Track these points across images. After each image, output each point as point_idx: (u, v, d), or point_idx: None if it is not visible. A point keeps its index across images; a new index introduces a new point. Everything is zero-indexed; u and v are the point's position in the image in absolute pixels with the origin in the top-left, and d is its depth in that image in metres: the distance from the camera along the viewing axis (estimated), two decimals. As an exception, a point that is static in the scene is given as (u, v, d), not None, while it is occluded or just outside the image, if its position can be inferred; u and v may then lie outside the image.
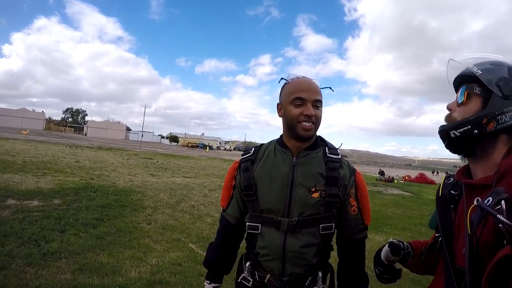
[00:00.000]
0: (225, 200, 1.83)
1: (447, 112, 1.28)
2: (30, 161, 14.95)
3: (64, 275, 4.12)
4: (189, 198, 10.48)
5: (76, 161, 17.37)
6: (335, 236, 1.75)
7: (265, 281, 1.63)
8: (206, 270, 1.88)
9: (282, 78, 1.71)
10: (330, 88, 1.72)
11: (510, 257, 0.85)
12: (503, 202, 0.92)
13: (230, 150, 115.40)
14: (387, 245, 1.48)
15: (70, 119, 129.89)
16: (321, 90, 1.65)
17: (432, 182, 34.03)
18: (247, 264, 1.70)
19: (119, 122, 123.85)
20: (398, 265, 1.54)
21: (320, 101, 1.59)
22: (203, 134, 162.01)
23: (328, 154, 1.65)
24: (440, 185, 1.38)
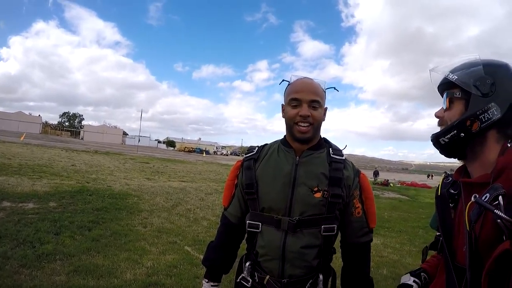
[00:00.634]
0: (227, 199, 1.82)
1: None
2: (26, 164, 14.88)
3: (59, 276, 4.09)
4: (185, 202, 10.46)
5: (72, 165, 17.31)
6: (338, 239, 1.73)
7: (264, 282, 1.60)
8: (204, 270, 1.86)
9: (283, 80, 1.72)
10: (335, 88, 1.73)
11: (510, 252, 0.85)
12: (500, 197, 0.93)
13: (227, 155, 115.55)
14: None
15: (66, 123, 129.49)
16: (325, 90, 1.65)
17: (424, 186, 34.29)
18: (247, 264, 1.67)
19: (115, 127, 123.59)
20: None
21: (317, 101, 1.57)
22: (200, 139, 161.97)
23: (332, 155, 1.64)
24: (439, 184, 1.38)
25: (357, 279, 1.68)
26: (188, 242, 6.26)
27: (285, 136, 1.73)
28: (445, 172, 1.39)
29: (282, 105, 1.71)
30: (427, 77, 1.40)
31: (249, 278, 1.65)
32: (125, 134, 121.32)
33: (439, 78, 1.29)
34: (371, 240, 1.72)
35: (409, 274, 1.50)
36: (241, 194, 1.74)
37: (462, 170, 1.28)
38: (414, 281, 1.46)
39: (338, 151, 1.68)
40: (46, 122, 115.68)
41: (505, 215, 0.88)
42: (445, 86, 1.26)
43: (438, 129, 1.27)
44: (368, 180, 1.74)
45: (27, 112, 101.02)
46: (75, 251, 4.97)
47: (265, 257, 1.61)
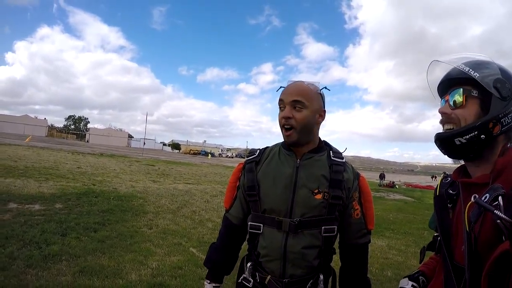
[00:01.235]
0: (229, 201, 1.84)
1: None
2: (32, 166, 14.97)
3: (65, 277, 4.11)
4: (190, 204, 10.48)
5: (78, 167, 17.38)
6: (337, 240, 1.74)
7: (266, 282, 1.62)
8: (207, 270, 1.87)
9: (281, 87, 1.71)
10: (326, 88, 1.71)
11: (509, 253, 0.85)
12: (500, 198, 0.93)
13: (232, 157, 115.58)
14: None
15: (72, 126, 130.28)
16: (320, 92, 1.65)
17: (429, 187, 34.16)
18: (249, 264, 1.69)
19: (121, 130, 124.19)
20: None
21: (299, 102, 1.56)
22: (205, 141, 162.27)
23: (332, 157, 1.65)
24: (437, 185, 1.37)
25: (355, 280, 1.70)
26: (193, 243, 6.28)
27: None
28: (444, 173, 1.39)
29: None
30: (431, 77, 1.36)
31: (250, 278, 1.67)
32: (130, 137, 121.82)
33: (443, 70, 1.26)
34: (369, 242, 1.73)
35: (407, 278, 1.51)
36: (243, 196, 1.75)
37: (461, 171, 1.28)
38: (412, 286, 1.47)
39: (338, 154, 1.69)
40: (51, 125, 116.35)
41: (504, 215, 0.88)
42: (458, 81, 1.21)
43: (430, 128, 1.24)
44: (367, 183, 1.75)
45: (33, 116, 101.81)
46: (81, 252, 4.99)
47: (267, 258, 1.62)
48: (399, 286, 1.50)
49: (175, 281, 4.42)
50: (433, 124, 1.17)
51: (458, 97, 1.18)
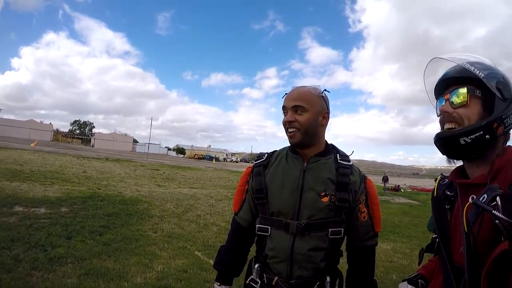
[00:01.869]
0: (237, 204, 1.86)
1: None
2: (38, 170, 15.04)
3: (70, 279, 4.12)
4: (195, 208, 10.50)
5: (83, 171, 17.46)
6: (344, 242, 1.74)
7: (273, 283, 1.63)
8: (215, 274, 1.88)
9: (286, 94, 1.73)
10: (326, 90, 1.72)
11: (508, 253, 0.85)
12: (498, 198, 0.93)
13: (237, 162, 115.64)
14: None
15: (77, 131, 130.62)
16: (322, 95, 1.67)
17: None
18: (256, 266, 1.71)
19: (126, 135, 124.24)
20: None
21: (300, 106, 1.60)
22: (209, 146, 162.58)
23: (339, 160, 1.67)
24: (435, 186, 1.37)
25: (362, 282, 1.70)
26: (198, 247, 6.29)
27: None
28: (441, 174, 1.39)
29: None
30: (436, 80, 1.34)
31: (258, 280, 1.69)
32: (135, 141, 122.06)
33: (444, 68, 1.27)
34: (376, 244, 1.74)
35: (406, 282, 1.49)
36: (251, 199, 1.77)
37: (458, 172, 1.27)
38: (410, 280, 1.46)
39: (345, 157, 1.71)
40: (57, 130, 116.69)
41: (503, 215, 0.88)
42: (461, 80, 1.20)
43: (434, 131, 1.24)
44: (374, 186, 1.76)
45: (38, 120, 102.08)
46: (86, 255, 5.01)
47: (274, 259, 1.64)
48: None
49: (180, 284, 4.42)
50: (438, 127, 1.16)
51: (462, 96, 1.17)
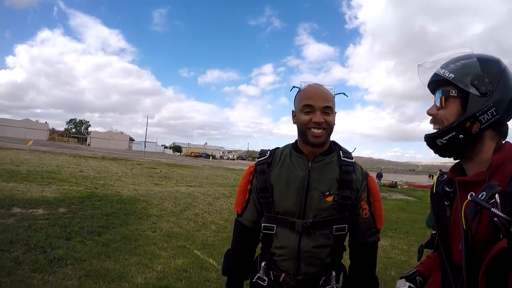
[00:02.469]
0: (240, 205, 1.84)
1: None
2: (35, 170, 15.02)
3: (71, 281, 4.12)
4: (193, 207, 10.50)
5: (80, 171, 17.45)
6: (347, 238, 1.77)
7: (280, 280, 1.66)
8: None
9: (294, 86, 1.75)
10: (344, 94, 1.77)
11: (507, 251, 0.85)
12: (497, 195, 0.92)
13: (234, 159, 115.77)
14: None
15: (73, 130, 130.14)
16: (335, 95, 1.68)
17: (429, 187, 33.89)
18: (263, 264, 1.73)
19: (122, 133, 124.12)
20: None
21: (329, 107, 1.61)
22: (206, 143, 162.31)
23: (342, 158, 1.69)
24: (434, 182, 1.37)
25: (363, 278, 1.73)
26: (197, 246, 6.29)
27: (296, 141, 1.76)
28: (440, 170, 1.38)
29: (293, 111, 1.74)
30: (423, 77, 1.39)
31: (265, 277, 1.70)
32: (131, 140, 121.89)
33: (429, 73, 1.27)
34: (378, 240, 1.77)
35: (404, 279, 1.50)
36: (256, 199, 1.76)
37: (456, 168, 1.28)
38: (409, 287, 1.46)
39: (348, 154, 1.73)
40: (53, 129, 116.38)
41: (502, 213, 0.87)
42: (439, 83, 1.23)
43: (431, 127, 1.26)
44: (376, 183, 1.78)
45: (34, 119, 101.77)
46: (86, 256, 5.00)
47: (281, 257, 1.66)
48: (396, 287, 1.50)
49: (180, 284, 4.42)
50: (429, 125, 1.19)
51: (439, 99, 1.21)
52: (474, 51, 1.21)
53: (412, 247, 7.70)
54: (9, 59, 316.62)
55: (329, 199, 1.61)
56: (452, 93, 1.17)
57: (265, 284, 1.70)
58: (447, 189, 1.29)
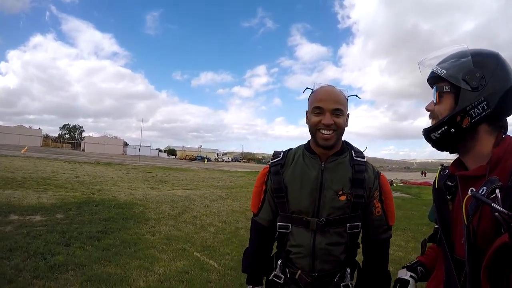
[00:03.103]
0: (256, 206, 1.90)
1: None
2: (30, 177, 14.92)
3: (73, 286, 4.12)
4: (190, 209, 10.49)
5: (76, 176, 17.35)
6: (361, 236, 1.83)
7: (296, 277, 1.71)
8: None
9: (307, 88, 1.81)
10: (357, 96, 1.82)
11: (508, 245, 0.85)
12: (497, 190, 0.93)
13: (228, 161, 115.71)
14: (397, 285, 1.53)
15: (67, 136, 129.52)
16: (348, 98, 1.74)
17: (426, 184, 33.91)
18: (279, 262, 1.78)
19: (116, 137, 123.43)
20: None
21: (339, 110, 1.65)
22: (200, 146, 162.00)
23: (354, 157, 1.75)
24: (436, 177, 1.38)
25: (376, 273, 1.79)
26: (197, 248, 6.31)
27: (309, 141, 1.82)
28: (442, 165, 1.40)
29: (306, 111, 1.78)
30: (425, 74, 1.41)
31: (281, 275, 1.75)
32: (125, 144, 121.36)
33: (428, 71, 1.29)
34: (390, 237, 1.83)
35: (405, 269, 1.54)
36: (271, 198, 1.82)
37: (458, 163, 1.29)
38: (410, 276, 1.51)
39: (360, 154, 1.78)
40: (46, 135, 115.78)
41: (502, 208, 0.88)
42: (434, 80, 1.26)
43: (425, 123, 1.29)
44: (387, 181, 1.84)
45: (27, 126, 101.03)
46: (87, 261, 4.99)
47: (297, 255, 1.71)
48: (398, 277, 1.54)
49: (182, 286, 4.45)
50: (428, 120, 1.23)
51: (434, 95, 1.24)
52: (469, 46, 1.23)
53: (409, 243, 7.78)
54: (2, 65, 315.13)
55: (342, 198, 1.66)
56: (445, 88, 1.20)
57: (281, 281, 1.75)
58: (449, 183, 1.30)
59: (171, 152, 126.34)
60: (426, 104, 1.29)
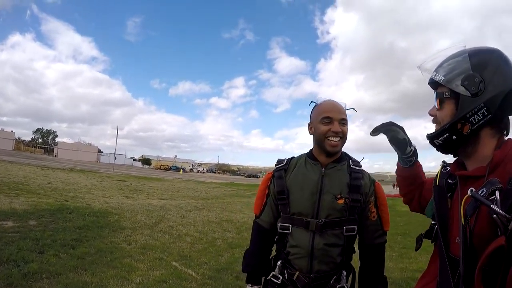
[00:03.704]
0: (258, 208, 2.03)
1: (426, 122, 1.34)
2: (1, 181, 14.46)
3: (48, 294, 4.02)
4: (166, 219, 10.40)
5: (49, 183, 16.92)
6: (357, 241, 1.94)
7: (294, 278, 1.80)
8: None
9: (312, 101, 1.99)
10: (354, 109, 2.00)
11: (504, 248, 0.87)
12: (497, 192, 0.94)
13: (203, 172, 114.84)
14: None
15: (40, 140, 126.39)
16: (346, 110, 1.90)
17: (397, 196, 34.12)
18: (278, 262, 1.88)
19: (90, 144, 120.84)
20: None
21: (345, 119, 1.85)
22: (176, 156, 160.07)
23: (352, 166, 1.90)
24: (437, 174, 1.39)
25: (373, 277, 1.90)
26: (174, 257, 6.27)
27: (311, 150, 1.97)
28: (443, 161, 1.43)
29: (309, 123, 1.97)
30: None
31: (279, 275, 1.85)
32: (100, 151, 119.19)
33: (428, 74, 1.30)
34: (386, 241, 1.94)
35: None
36: (273, 202, 1.93)
37: (459, 162, 1.31)
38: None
39: (357, 163, 1.94)
40: (19, 138, 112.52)
41: (501, 210, 0.89)
42: (434, 85, 1.27)
43: (433, 126, 1.31)
44: (382, 189, 1.96)
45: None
46: (62, 269, 4.88)
47: (296, 255, 1.81)
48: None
49: (160, 296, 4.39)
50: (432, 125, 1.25)
51: (435, 101, 1.27)
52: (461, 44, 1.23)
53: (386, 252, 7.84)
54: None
55: (341, 201, 1.79)
56: (446, 95, 1.21)
57: (279, 281, 1.84)
58: (450, 181, 1.31)
59: (146, 161, 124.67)
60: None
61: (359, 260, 1.96)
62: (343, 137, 1.83)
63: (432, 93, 1.31)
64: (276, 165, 2.01)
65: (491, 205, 0.91)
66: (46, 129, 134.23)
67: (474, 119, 1.14)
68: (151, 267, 5.52)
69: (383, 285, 1.89)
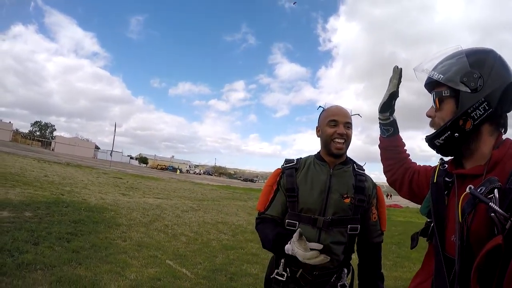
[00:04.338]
0: (263, 204, 2.02)
1: (423, 134, 1.33)
2: (-2, 172, 14.46)
3: (41, 286, 4.02)
4: (162, 218, 10.38)
5: (45, 176, 16.90)
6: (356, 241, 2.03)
7: (297, 275, 1.85)
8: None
9: (320, 106, 2.10)
10: (359, 115, 2.07)
11: (501, 247, 0.86)
12: (496, 190, 0.94)
13: (200, 174, 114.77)
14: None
15: (37, 133, 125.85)
16: (351, 116, 1.99)
17: (396, 206, 34.29)
18: (283, 260, 1.88)
19: (88, 140, 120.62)
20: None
21: (350, 123, 1.94)
22: (173, 156, 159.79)
23: (356, 169, 2.00)
24: (435, 171, 1.38)
25: (371, 273, 2.00)
26: (169, 256, 6.25)
27: (319, 152, 2.05)
28: (441, 159, 1.42)
29: (317, 127, 2.06)
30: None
31: (283, 273, 1.86)
32: (97, 148, 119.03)
33: (424, 76, 1.31)
34: (382, 241, 2.05)
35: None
36: (283, 196, 1.96)
37: (456, 161, 1.31)
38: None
39: (360, 167, 2.04)
40: (17, 130, 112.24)
41: (499, 208, 0.89)
42: (432, 85, 1.28)
43: (430, 129, 1.30)
44: (382, 192, 2.06)
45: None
46: (56, 262, 4.86)
47: None
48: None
49: (154, 293, 4.37)
50: (429, 128, 1.24)
51: (434, 101, 1.27)
52: (456, 45, 1.26)
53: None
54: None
55: (347, 200, 1.87)
56: (445, 93, 1.22)
57: (284, 278, 1.85)
58: (447, 179, 1.31)
59: (142, 160, 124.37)
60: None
61: (358, 258, 2.05)
62: (347, 139, 1.92)
63: (429, 100, 1.32)
64: (285, 164, 2.05)
65: (490, 203, 0.91)
66: (45, 122, 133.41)
67: (476, 114, 1.15)
68: (145, 264, 5.50)
69: (381, 280, 1.98)
